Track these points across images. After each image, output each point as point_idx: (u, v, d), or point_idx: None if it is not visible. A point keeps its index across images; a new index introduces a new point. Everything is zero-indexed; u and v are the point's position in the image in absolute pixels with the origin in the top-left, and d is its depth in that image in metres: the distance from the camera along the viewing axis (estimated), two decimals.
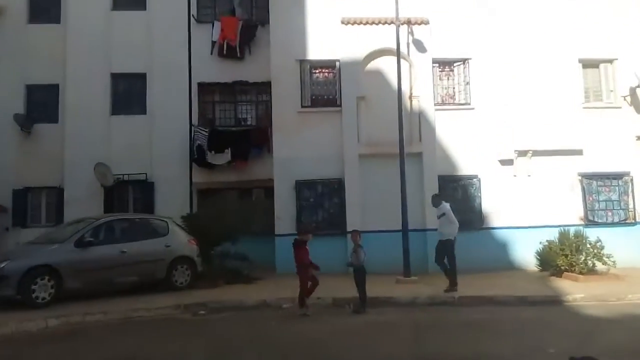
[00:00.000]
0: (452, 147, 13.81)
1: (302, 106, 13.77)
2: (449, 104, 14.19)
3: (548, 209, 13.56)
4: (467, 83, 14.09)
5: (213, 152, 14.81)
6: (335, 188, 13.44)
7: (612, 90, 14.27)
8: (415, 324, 8.11)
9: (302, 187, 13.37)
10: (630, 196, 13.82)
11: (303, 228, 10.32)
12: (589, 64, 14.32)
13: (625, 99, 14.07)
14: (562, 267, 11.64)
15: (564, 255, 11.64)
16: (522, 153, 13.70)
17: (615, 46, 14.12)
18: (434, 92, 13.92)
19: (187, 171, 15.17)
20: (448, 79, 14.33)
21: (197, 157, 14.85)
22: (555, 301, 9.40)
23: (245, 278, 11.84)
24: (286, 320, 8.42)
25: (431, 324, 8.11)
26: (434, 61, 14.02)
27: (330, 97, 13.96)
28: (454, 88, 14.31)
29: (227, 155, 14.81)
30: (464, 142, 13.78)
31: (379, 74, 13.78)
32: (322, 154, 13.37)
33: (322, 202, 13.43)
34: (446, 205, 10.68)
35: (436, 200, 10.93)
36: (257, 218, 13.67)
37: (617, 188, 13.85)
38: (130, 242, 10.36)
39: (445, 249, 10.45)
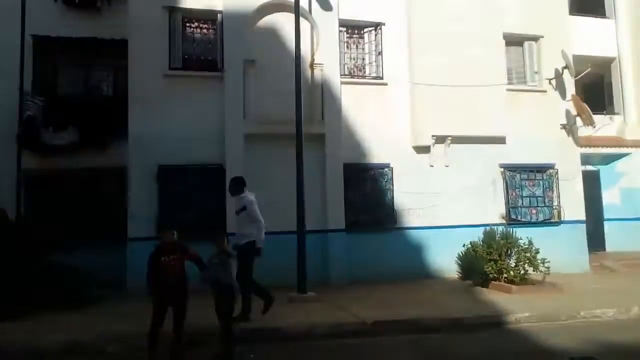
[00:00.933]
0: (360, 130, 11.31)
1: (171, 68, 10.50)
2: (358, 76, 11.71)
3: (469, 205, 11.57)
4: (379, 53, 11.70)
5: (52, 129, 11.09)
6: (212, 177, 10.31)
7: (536, 72, 12.64)
8: None
9: (167, 174, 10.08)
10: (555, 192, 12.25)
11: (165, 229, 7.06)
12: (513, 41, 12.56)
13: (550, 83, 12.49)
14: (490, 275, 9.56)
15: (492, 261, 9.57)
16: (440, 139, 11.56)
17: (541, 21, 12.49)
18: (340, 61, 11.34)
19: (14, 154, 11.19)
20: (357, 47, 11.83)
21: (28, 136, 10.99)
22: (496, 323, 7.12)
23: (77, 300, 8.34)
24: None
25: None
26: (342, 24, 11.46)
27: (210, 58, 10.81)
28: (363, 59, 11.84)
29: (71, 134, 11.14)
30: (375, 123, 11.35)
31: (273, 34, 10.90)
32: (196, 132, 10.23)
33: (195, 195, 10.22)
34: (249, 196, 7.40)
35: (236, 187, 7.54)
36: (106, 217, 10.21)
37: (541, 182, 12.21)
38: None
39: (244, 258, 7.04)
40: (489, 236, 9.92)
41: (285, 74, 9.93)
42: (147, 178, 10.00)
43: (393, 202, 11.29)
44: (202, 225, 9.20)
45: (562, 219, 12.15)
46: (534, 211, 12.04)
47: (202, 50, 10.83)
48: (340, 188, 10.81)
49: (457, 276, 10.29)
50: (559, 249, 11.73)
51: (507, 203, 11.95)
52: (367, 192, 11.16)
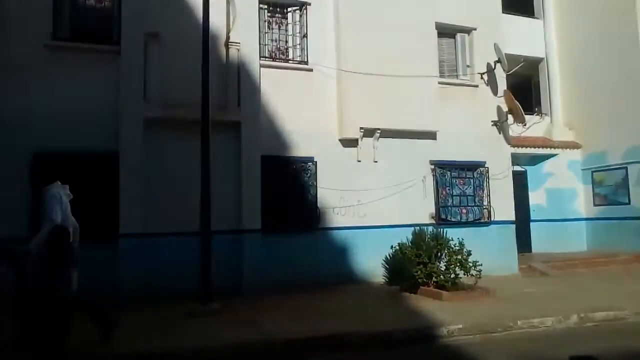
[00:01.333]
0: (281, 119, 10.14)
1: (56, 38, 8.82)
2: (281, 60, 10.55)
3: (398, 204, 10.74)
4: (304, 36, 10.60)
5: None
6: (103, 167, 8.72)
7: (468, 66, 12.06)
8: None
9: (43, 163, 8.36)
10: (486, 191, 11.69)
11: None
12: (446, 32, 11.89)
13: (482, 77, 11.94)
14: (419, 280, 8.70)
15: (422, 264, 8.73)
16: (369, 132, 10.64)
17: (474, 14, 11.92)
18: (260, 41, 10.12)
19: None
20: (280, 28, 10.68)
21: None
22: (429, 337, 6.18)
23: None
24: None
25: None
26: (263, 0, 10.28)
27: (104, 29, 9.23)
28: (287, 41, 10.70)
29: None
30: (298, 112, 10.23)
31: (182, 5, 9.47)
32: (83, 112, 8.63)
33: (79, 188, 8.56)
34: (54, 189, 6.29)
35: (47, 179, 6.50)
36: None
37: (471, 181, 11.60)
38: None
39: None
40: (419, 237, 9.08)
41: (195, 51, 8.46)
42: (15, 166, 8.21)
43: (316, 199, 10.21)
44: (87, 224, 7.57)
45: (492, 220, 11.61)
46: (464, 211, 11.41)
47: (95, 20, 9.23)
48: (257, 183, 9.58)
49: (384, 281, 9.35)
50: (489, 251, 11.18)
51: (437, 202, 11.24)
52: (287, 188, 10.01)
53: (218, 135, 8.44)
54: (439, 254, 8.93)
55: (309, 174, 10.19)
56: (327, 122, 10.46)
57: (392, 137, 10.91)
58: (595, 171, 14.67)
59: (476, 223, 11.52)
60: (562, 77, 15.72)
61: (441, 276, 8.60)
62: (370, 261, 9.84)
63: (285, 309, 7.60)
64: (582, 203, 14.90)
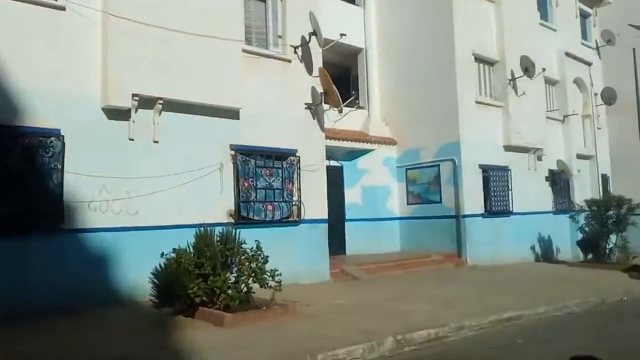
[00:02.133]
0: (12, 73, 6.96)
1: None
2: None
3: (185, 198, 8.34)
4: None
5: None
6: None
7: (280, 36, 10.18)
8: None
9: None
10: (296, 184, 9.89)
11: None
12: None
13: (296, 51, 10.16)
14: (197, 299, 6.37)
15: (201, 277, 6.42)
16: (147, 102, 8.01)
17: None
18: None
19: None
20: None
21: None
22: None
23: None
24: None
25: None
26: None
27: None
28: None
29: None
30: (41, 65, 7.20)
31: None
32: None
33: None
34: None
35: None
36: None
37: (280, 172, 9.69)
38: None
39: None
40: (202, 240, 6.75)
41: None
42: None
43: (62, 189, 7.21)
44: None
45: (302, 218, 9.86)
46: (270, 207, 9.44)
47: None
48: None
49: (152, 301, 6.79)
50: (298, 255, 9.54)
51: (237, 196, 9.08)
52: (14, 171, 6.85)
53: None
54: (229, 262, 6.73)
55: (50, 153, 7.13)
56: (85, 83, 7.57)
57: (181, 112, 8.48)
58: (409, 169, 14.11)
59: (284, 222, 9.65)
60: (380, 70, 14.98)
61: (229, 292, 6.38)
62: (142, 275, 7.11)
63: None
64: (396, 202, 14.25)
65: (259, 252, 6.67)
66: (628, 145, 16.72)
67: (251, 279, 6.59)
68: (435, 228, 13.14)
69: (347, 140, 13.32)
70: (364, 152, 13.95)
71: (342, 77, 15.14)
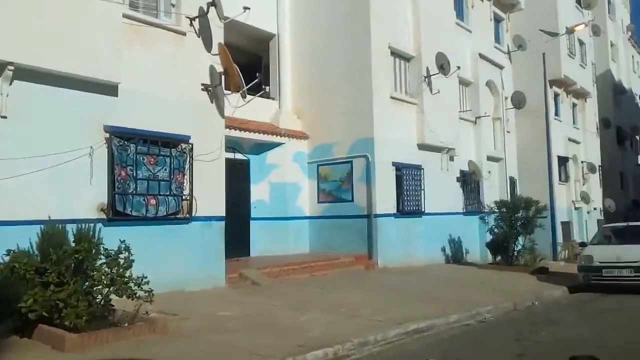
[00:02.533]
0: None
1: None
2: None
3: (43, 188, 6.78)
4: None
5: None
6: None
7: (173, 5, 8.82)
8: None
9: None
10: (188, 176, 8.56)
11: None
12: None
13: (192, 23, 8.84)
14: (33, 314, 4.92)
15: (43, 286, 4.99)
16: None
17: None
18: None
19: None
20: None
21: None
22: None
23: None
24: None
25: None
26: None
27: None
28: None
29: None
30: None
31: None
32: None
33: None
34: None
35: None
36: None
37: (167, 160, 8.31)
38: None
39: None
40: (48, 239, 5.31)
41: None
42: None
43: None
44: None
45: (194, 215, 8.55)
46: (153, 201, 8.01)
47: None
48: None
49: None
50: (186, 257, 8.27)
51: (112, 187, 7.59)
52: None
53: None
54: (85, 267, 5.33)
55: None
56: None
57: (42, 83, 6.89)
58: (321, 165, 13.20)
59: (171, 219, 8.29)
60: (293, 59, 13.97)
61: (78, 304, 4.99)
62: None
63: None
64: (306, 199, 13.29)
65: (121, 255, 5.33)
66: (535, 149, 16.98)
67: (110, 288, 5.25)
68: (346, 228, 12.34)
69: (255, 132, 12.18)
70: (273, 145, 12.87)
71: (253, 65, 13.99)
